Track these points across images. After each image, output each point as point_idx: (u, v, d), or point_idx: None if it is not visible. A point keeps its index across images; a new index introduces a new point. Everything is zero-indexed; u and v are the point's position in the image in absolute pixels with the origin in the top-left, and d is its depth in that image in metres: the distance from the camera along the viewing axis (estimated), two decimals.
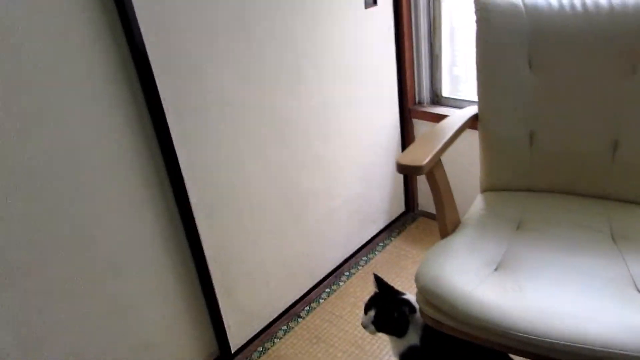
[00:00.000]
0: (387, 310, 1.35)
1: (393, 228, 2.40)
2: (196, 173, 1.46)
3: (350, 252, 2.22)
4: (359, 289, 2.04)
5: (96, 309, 1.32)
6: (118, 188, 1.30)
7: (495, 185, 1.51)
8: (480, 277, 1.17)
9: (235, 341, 1.76)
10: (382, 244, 2.29)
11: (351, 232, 2.19)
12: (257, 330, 1.85)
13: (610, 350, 0.95)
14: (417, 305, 1.27)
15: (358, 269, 2.16)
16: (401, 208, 2.48)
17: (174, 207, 1.45)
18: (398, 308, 1.33)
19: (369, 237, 2.31)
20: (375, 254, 2.23)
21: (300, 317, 1.93)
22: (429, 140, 1.29)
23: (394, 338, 1.37)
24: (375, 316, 1.34)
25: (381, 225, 2.37)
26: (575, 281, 1.13)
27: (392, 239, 2.33)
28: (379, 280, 1.41)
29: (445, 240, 1.32)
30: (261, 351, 1.80)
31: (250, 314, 1.79)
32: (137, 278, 1.41)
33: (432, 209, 2.46)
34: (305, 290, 2.02)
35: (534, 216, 1.37)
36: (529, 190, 1.48)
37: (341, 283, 2.08)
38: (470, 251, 1.26)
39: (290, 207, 1.83)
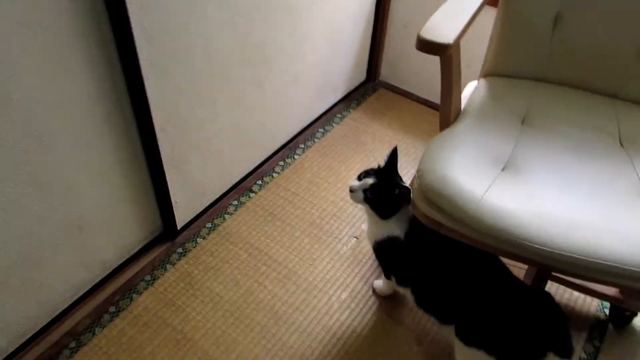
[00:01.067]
0: (389, 184, 1.21)
1: (352, 98, 2.19)
2: (147, 18, 1.10)
3: (307, 123, 2.01)
4: (316, 165, 1.88)
5: (16, 185, 1.04)
6: (38, 29, 0.94)
7: (500, 70, 1.33)
8: (489, 178, 1.04)
9: (182, 217, 1.58)
10: (340, 116, 2.10)
11: (311, 101, 1.95)
12: (206, 205, 1.67)
13: (625, 266, 0.89)
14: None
15: (314, 141, 1.98)
16: (362, 76, 2.26)
17: (117, 63, 1.11)
18: (400, 188, 1.19)
19: (327, 107, 2.10)
20: (332, 126, 2.05)
21: (253, 191, 1.76)
22: (454, 14, 1.04)
23: (376, 221, 1.25)
24: (372, 185, 1.20)
25: (340, 94, 2.15)
26: (587, 190, 1.04)
27: (351, 110, 2.13)
28: (393, 154, 1.25)
29: (448, 131, 1.15)
30: (210, 227, 1.64)
31: (201, 188, 1.59)
32: (68, 148, 1.11)
33: (394, 81, 2.27)
34: (258, 163, 1.83)
35: (541, 110, 1.23)
36: (536, 79, 1.31)
37: (296, 156, 1.91)
38: (476, 146, 1.11)
39: (253, 71, 1.53)
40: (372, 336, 1.38)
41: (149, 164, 1.36)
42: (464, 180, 1.01)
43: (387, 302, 1.46)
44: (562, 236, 0.93)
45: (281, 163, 1.87)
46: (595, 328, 1.40)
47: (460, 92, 1.19)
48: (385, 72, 2.28)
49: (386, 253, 1.30)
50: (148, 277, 1.49)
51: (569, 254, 0.92)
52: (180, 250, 1.57)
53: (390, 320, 1.42)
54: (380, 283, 1.47)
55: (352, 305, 1.45)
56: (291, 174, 1.84)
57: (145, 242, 1.53)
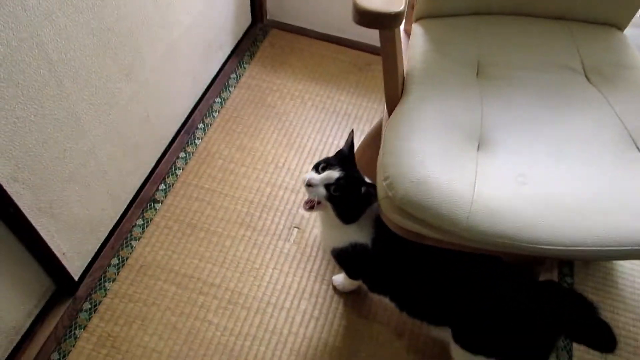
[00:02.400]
0: (356, 180, 0.96)
1: (243, 50, 1.83)
2: None
3: (199, 95, 1.65)
4: (224, 147, 1.56)
5: None
6: None
7: (432, 10, 1.07)
8: (471, 168, 0.83)
9: (76, 264, 1.22)
10: (234, 76, 1.75)
11: (197, 68, 1.58)
12: (103, 239, 1.31)
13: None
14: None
15: (214, 117, 1.63)
16: (247, 20, 1.88)
17: None
18: (366, 185, 0.96)
19: (217, 69, 1.73)
20: (230, 92, 1.70)
21: (157, 201, 1.42)
22: None
23: (333, 225, 1.01)
24: (338, 180, 0.94)
25: (228, 49, 1.78)
26: (577, 155, 0.88)
27: (246, 66, 1.78)
28: (351, 139, 1.01)
29: (400, 113, 0.90)
30: (117, 264, 1.30)
31: (90, 223, 1.23)
32: None
33: (284, 18, 1.92)
34: (153, 163, 1.47)
35: (494, 54, 1.03)
36: (476, 13, 1.08)
37: (197, 141, 1.56)
38: (440, 124, 0.89)
39: (116, 59, 1.13)
40: (348, 343, 1.20)
41: (9, 224, 0.98)
42: (445, 182, 0.79)
43: (352, 299, 1.27)
44: (572, 229, 0.77)
45: (182, 155, 1.53)
46: (565, 264, 1.34)
47: (403, 62, 0.94)
48: (273, 9, 1.91)
49: (350, 261, 1.08)
50: (56, 357, 1.15)
51: (584, 248, 0.76)
52: (87, 305, 1.23)
53: (361, 320, 1.24)
54: (340, 279, 1.27)
55: (316, 313, 1.25)
56: (198, 165, 1.51)
57: (36, 312, 1.17)
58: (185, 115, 1.59)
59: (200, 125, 1.60)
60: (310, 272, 1.32)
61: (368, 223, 0.99)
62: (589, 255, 0.77)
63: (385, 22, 0.71)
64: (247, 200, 1.44)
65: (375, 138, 1.13)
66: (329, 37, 1.89)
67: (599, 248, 0.76)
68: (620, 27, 1.07)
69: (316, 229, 1.39)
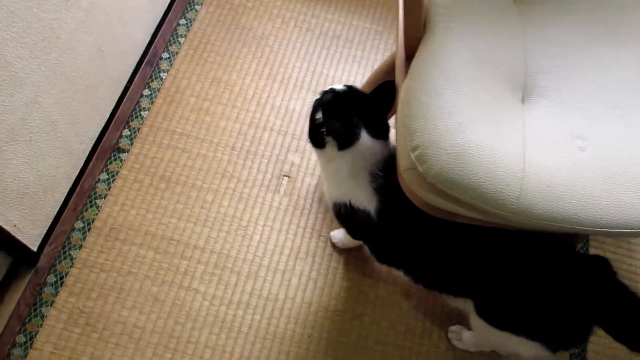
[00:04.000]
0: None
1: None
2: None
3: (160, 16, 1.38)
4: (195, 80, 1.33)
5: None
6: None
7: None
8: (517, 129, 0.67)
9: (32, 235, 1.04)
10: None
11: None
12: (62, 200, 1.12)
13: None
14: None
15: (179, 43, 1.38)
16: None
17: None
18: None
19: None
20: (196, 11, 1.43)
21: (122, 150, 1.22)
22: None
23: (330, 175, 0.90)
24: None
25: None
26: (632, 105, 0.71)
27: None
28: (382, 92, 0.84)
29: (427, 53, 0.70)
30: (83, 227, 1.13)
31: (42, 184, 1.03)
32: None
33: None
34: (112, 105, 1.24)
35: None
36: None
37: (163, 75, 1.32)
38: (478, 71, 0.70)
39: None
40: (350, 306, 1.10)
41: None
42: (490, 151, 0.63)
43: (353, 256, 1.15)
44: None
45: (146, 92, 1.29)
46: None
47: None
48: None
49: (351, 223, 0.94)
50: (22, 339, 1.01)
51: None
52: (52, 279, 1.07)
53: (365, 280, 1.13)
54: (340, 234, 1.14)
55: (314, 275, 1.12)
56: (166, 105, 1.29)
57: None
58: (146, 43, 1.33)
59: (165, 55, 1.35)
60: (305, 227, 1.17)
61: (368, 186, 0.84)
62: None
63: None
64: (228, 146, 1.25)
65: (383, 77, 0.94)
66: None
67: None
68: None
69: (308, 177, 1.23)
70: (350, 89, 0.87)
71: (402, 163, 0.68)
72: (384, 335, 1.07)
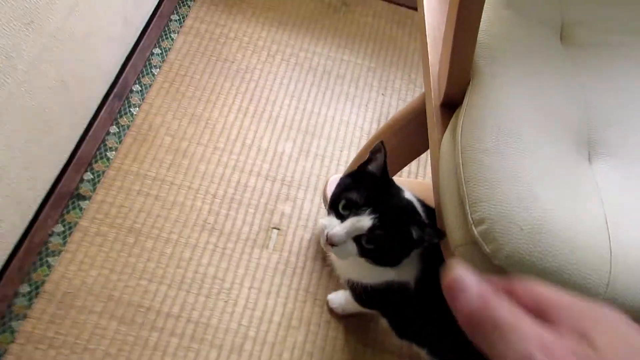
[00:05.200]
0: (396, 223, 0.64)
1: None
2: None
3: (130, 46, 1.22)
4: (171, 115, 1.17)
5: None
6: None
7: None
8: (595, 197, 0.55)
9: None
10: (177, 18, 1.32)
11: (128, 6, 1.14)
12: (5, 258, 0.92)
13: None
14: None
15: (153, 74, 1.22)
16: None
17: None
18: (417, 224, 0.64)
19: (152, 8, 1.29)
20: (172, 40, 1.28)
21: (82, 197, 1.03)
22: None
23: (368, 264, 0.71)
24: (370, 230, 0.62)
25: None
26: None
27: (190, 3, 1.35)
28: (383, 158, 0.66)
29: (480, 104, 0.59)
30: (30, 293, 0.93)
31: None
32: None
33: None
34: (73, 145, 1.06)
35: (581, 10, 0.72)
36: None
37: (134, 110, 1.16)
38: (541, 127, 0.59)
39: (9, 1, 0.70)
40: None
41: None
42: (571, 227, 0.51)
43: (354, 323, 1.00)
44: None
45: (113, 130, 1.12)
46: None
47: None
48: None
49: (382, 303, 0.79)
50: None
51: None
52: None
53: (367, 350, 0.98)
54: (339, 298, 0.99)
55: (309, 347, 0.97)
56: (137, 144, 1.12)
57: None
58: (115, 74, 1.16)
59: (136, 87, 1.19)
60: (298, 290, 1.02)
61: (413, 256, 0.70)
62: None
63: None
64: (209, 193, 1.09)
65: (405, 126, 0.82)
66: None
67: None
68: None
69: (301, 230, 1.08)
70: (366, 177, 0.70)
71: (455, 237, 0.55)
72: None
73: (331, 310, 1.00)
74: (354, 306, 0.95)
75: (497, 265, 0.51)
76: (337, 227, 0.62)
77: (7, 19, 0.72)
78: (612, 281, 0.50)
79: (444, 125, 0.64)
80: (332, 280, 1.03)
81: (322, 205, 1.11)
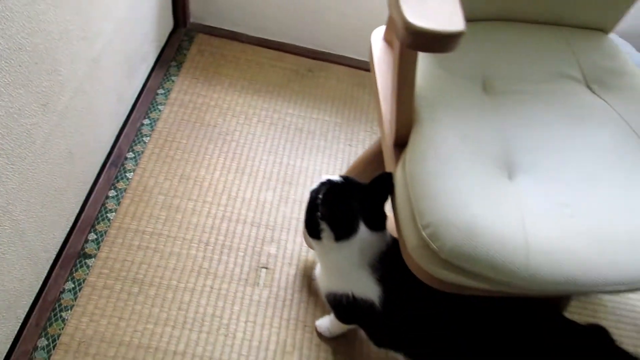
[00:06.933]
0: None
1: (167, 58, 1.58)
2: None
3: (125, 116, 1.38)
4: (162, 176, 1.31)
5: None
6: None
7: None
8: (514, 204, 0.72)
9: None
10: (162, 91, 1.50)
11: (121, 85, 1.31)
12: (23, 317, 1.02)
13: None
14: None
15: (144, 142, 1.37)
16: (170, 24, 1.63)
17: None
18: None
19: (141, 85, 1.46)
20: (159, 111, 1.45)
21: (89, 256, 1.15)
22: None
23: (333, 266, 0.88)
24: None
25: (152, 60, 1.52)
26: (606, 177, 0.80)
27: (174, 78, 1.54)
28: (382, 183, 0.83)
29: (422, 141, 0.76)
30: (48, 346, 1.02)
31: (5, 303, 0.94)
32: None
33: (210, 20, 1.70)
34: (77, 210, 1.19)
35: (497, 67, 0.92)
36: (469, 20, 0.97)
37: (129, 174, 1.30)
38: (470, 154, 0.76)
39: (31, 87, 0.86)
40: None
41: None
42: (495, 224, 0.67)
43: (342, 344, 1.12)
44: (635, 261, 0.69)
45: (111, 193, 1.26)
46: None
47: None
48: (196, 11, 1.68)
49: (350, 313, 0.93)
50: None
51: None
52: None
53: None
54: (326, 323, 1.11)
55: None
56: (134, 205, 1.25)
57: None
58: (110, 144, 1.31)
59: (130, 155, 1.34)
60: (289, 319, 1.14)
61: (370, 276, 0.84)
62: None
63: (443, 44, 0.57)
64: (202, 242, 1.22)
65: (369, 164, 0.98)
66: (263, 42, 1.70)
67: None
68: (607, 31, 1.03)
69: (287, 267, 1.21)
70: (347, 180, 0.88)
71: (411, 242, 0.70)
72: None
73: (320, 335, 1.12)
74: (338, 326, 1.07)
75: (444, 258, 0.66)
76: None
77: (29, 102, 0.87)
78: (529, 264, 0.65)
79: (397, 159, 0.80)
80: (318, 308, 1.15)
81: (304, 244, 1.25)
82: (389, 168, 0.82)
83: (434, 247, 0.66)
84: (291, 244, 1.25)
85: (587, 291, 0.68)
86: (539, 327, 0.82)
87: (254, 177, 1.36)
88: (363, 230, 0.82)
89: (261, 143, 1.44)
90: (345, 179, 0.87)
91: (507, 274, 0.65)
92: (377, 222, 0.84)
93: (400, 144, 0.80)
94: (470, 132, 0.79)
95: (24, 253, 0.96)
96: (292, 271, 1.21)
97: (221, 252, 1.21)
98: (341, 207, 0.82)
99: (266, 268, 1.20)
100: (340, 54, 1.70)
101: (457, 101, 0.83)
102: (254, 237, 1.25)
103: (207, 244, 1.22)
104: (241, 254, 1.22)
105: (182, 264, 1.17)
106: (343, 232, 0.82)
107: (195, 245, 1.21)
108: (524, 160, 0.79)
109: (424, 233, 0.67)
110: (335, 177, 0.87)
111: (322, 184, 0.86)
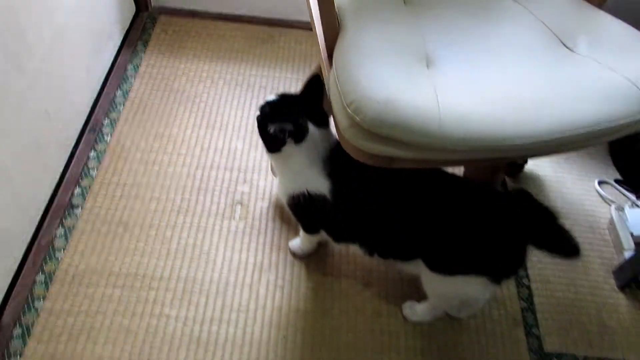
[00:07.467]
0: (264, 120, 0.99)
1: (133, 39, 1.70)
2: None
3: (97, 90, 1.50)
4: (138, 136, 1.43)
5: None
6: None
7: None
8: (428, 83, 0.84)
9: None
10: (132, 67, 1.62)
11: (89, 59, 1.43)
12: (20, 257, 1.13)
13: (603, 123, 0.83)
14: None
15: (119, 110, 1.49)
16: (132, 9, 1.75)
17: None
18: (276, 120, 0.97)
19: (110, 60, 1.59)
20: (130, 84, 1.57)
21: (76, 206, 1.27)
22: None
23: (285, 171, 1.04)
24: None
25: (118, 40, 1.64)
26: (516, 60, 0.93)
27: (142, 55, 1.66)
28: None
29: (346, 43, 0.89)
30: (45, 280, 1.13)
31: (0, 241, 1.05)
32: None
33: (170, 3, 1.82)
34: (62, 168, 1.30)
35: None
36: None
37: (107, 137, 1.42)
38: (389, 51, 0.89)
39: (1, 45, 0.98)
40: (319, 303, 1.17)
41: None
42: (410, 97, 0.80)
43: (314, 260, 1.24)
44: (536, 120, 0.82)
45: (92, 154, 1.37)
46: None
47: None
48: None
49: (307, 212, 1.05)
50: None
51: (550, 137, 0.81)
52: (18, 331, 1.06)
53: (327, 278, 1.21)
54: (297, 243, 1.23)
55: (280, 282, 1.19)
56: (114, 162, 1.37)
57: None
58: (87, 113, 1.43)
59: (106, 121, 1.45)
60: (264, 244, 1.26)
61: (322, 171, 0.97)
62: (553, 145, 0.81)
63: None
64: (180, 187, 1.34)
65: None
66: (224, 16, 1.83)
67: (560, 135, 0.81)
68: None
69: (260, 201, 1.33)
70: (283, 95, 1.03)
71: (342, 123, 0.83)
72: (354, 322, 1.14)
73: (293, 254, 1.23)
74: (308, 241, 1.19)
75: (367, 129, 0.78)
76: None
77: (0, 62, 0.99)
78: (442, 124, 0.77)
79: (330, 64, 0.92)
80: (291, 233, 1.27)
81: (275, 181, 1.37)
82: (324, 71, 0.95)
83: (358, 119, 0.79)
84: (263, 182, 1.37)
85: (497, 150, 0.80)
86: (469, 199, 0.94)
87: (224, 130, 1.48)
88: (312, 128, 0.95)
89: (228, 102, 1.56)
90: (280, 95, 1.00)
91: (423, 135, 0.77)
92: (320, 119, 0.97)
93: (331, 53, 0.92)
94: (391, 35, 0.92)
95: (13, 199, 1.08)
96: (265, 204, 1.33)
97: (198, 193, 1.33)
98: (289, 117, 0.95)
99: (241, 204, 1.32)
100: (297, 19, 1.83)
101: (379, 12, 0.96)
102: (228, 180, 1.37)
103: (184, 188, 1.33)
104: (217, 193, 1.33)
105: (162, 206, 1.29)
106: (299, 133, 0.94)
107: (174, 189, 1.33)
108: (442, 53, 0.93)
109: (349, 110, 0.80)
110: (272, 97, 0.99)
111: (263, 107, 0.98)
